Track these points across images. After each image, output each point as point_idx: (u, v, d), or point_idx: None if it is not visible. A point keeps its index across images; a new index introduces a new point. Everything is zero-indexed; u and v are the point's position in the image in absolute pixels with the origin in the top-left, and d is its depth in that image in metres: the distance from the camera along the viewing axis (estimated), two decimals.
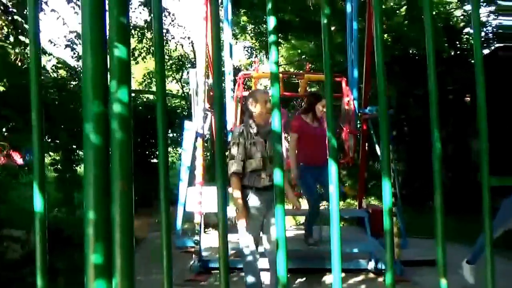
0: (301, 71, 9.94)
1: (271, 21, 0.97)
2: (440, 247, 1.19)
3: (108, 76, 0.93)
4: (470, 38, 13.09)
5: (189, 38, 14.52)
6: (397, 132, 12.36)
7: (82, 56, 0.91)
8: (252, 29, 14.60)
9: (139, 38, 14.22)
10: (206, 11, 5.71)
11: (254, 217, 4.02)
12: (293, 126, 5.60)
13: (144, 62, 15.44)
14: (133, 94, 10.89)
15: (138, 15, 13.65)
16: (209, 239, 6.28)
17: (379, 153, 6.93)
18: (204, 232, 5.55)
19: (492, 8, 13.41)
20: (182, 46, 15.25)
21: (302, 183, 5.67)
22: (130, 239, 1.07)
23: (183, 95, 15.71)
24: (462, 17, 13.76)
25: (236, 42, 15.64)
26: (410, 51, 12.20)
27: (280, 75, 6.83)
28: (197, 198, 5.50)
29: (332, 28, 12.90)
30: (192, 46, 14.45)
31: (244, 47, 17.29)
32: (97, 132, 0.95)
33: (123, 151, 0.98)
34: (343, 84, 6.84)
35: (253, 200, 4.00)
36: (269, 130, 3.95)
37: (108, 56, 0.91)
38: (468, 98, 11.98)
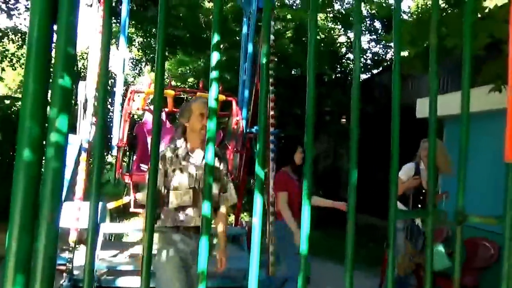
0: (195, 89, 10.00)
1: (214, 57, 1.00)
2: (348, 272, 1.29)
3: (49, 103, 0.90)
4: (351, 63, 14.20)
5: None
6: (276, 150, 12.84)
7: (23, 81, 0.87)
8: (140, 42, 14.31)
9: (20, 44, 13.29)
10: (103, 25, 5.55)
11: (175, 260, 3.02)
12: (280, 184, 5.14)
13: (22, 68, 14.41)
14: (7, 101, 10.09)
15: (23, 21, 12.72)
16: (81, 257, 6.03)
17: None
18: (76, 249, 5.30)
19: (374, 37, 14.79)
20: None
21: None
22: (52, 272, 1.03)
23: None
24: (345, 43, 14.90)
25: None
26: (293, 72, 12.84)
27: (174, 92, 6.81)
28: (75, 214, 5.25)
29: (221, 47, 13.16)
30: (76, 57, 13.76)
31: (130, 59, 16.91)
32: (31, 160, 0.91)
33: (56, 181, 0.95)
34: (234, 104, 6.99)
35: (177, 242, 3.05)
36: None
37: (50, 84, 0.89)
38: (344, 120, 12.89)
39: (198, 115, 3.06)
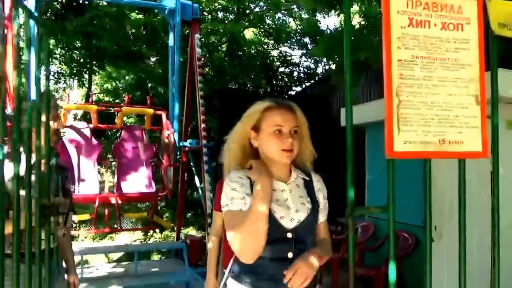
0: (121, 104, 9.70)
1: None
2: None
3: None
4: (285, 76, 14.48)
5: None
6: (216, 163, 12.63)
7: None
8: (60, 54, 13.48)
9: None
10: (6, 34, 5.09)
11: None
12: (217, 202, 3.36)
13: None
14: None
15: None
16: None
17: (197, 183, 6.97)
18: None
19: (304, 51, 15.15)
20: None
21: None
22: None
23: None
24: (277, 57, 15.20)
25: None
26: (230, 86, 12.80)
27: (96, 107, 6.49)
28: None
29: (153, 59, 12.82)
30: None
31: (52, 73, 16.05)
32: None
33: None
34: (164, 118, 6.76)
35: None
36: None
37: None
38: None
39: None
